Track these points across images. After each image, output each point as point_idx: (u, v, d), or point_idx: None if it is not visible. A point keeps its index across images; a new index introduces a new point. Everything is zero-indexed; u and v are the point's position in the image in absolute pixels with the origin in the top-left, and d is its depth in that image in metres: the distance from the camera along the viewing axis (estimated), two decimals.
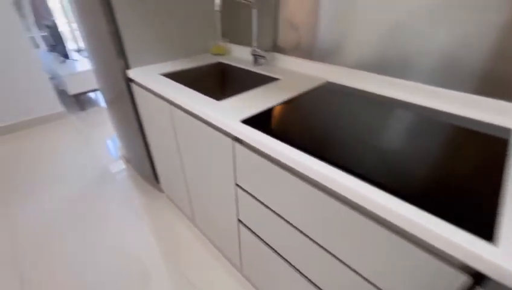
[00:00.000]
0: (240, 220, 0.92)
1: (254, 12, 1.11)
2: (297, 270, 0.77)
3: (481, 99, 0.74)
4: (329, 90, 0.93)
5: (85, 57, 3.29)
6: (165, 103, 1.01)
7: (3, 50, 2.14)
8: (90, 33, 1.32)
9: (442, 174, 0.51)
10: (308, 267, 0.72)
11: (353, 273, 0.59)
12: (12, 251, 1.32)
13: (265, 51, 1.19)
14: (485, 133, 0.64)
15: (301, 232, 0.68)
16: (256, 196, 0.77)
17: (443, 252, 0.42)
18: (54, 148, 2.17)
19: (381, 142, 0.61)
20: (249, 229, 0.89)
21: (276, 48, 1.21)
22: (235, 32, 1.39)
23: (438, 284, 0.43)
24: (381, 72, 0.91)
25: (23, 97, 2.35)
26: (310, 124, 0.71)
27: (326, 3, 0.95)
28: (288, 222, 0.71)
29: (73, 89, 2.62)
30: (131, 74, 1.16)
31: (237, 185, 0.83)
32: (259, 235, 0.86)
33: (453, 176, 0.50)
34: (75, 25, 3.72)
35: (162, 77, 1.09)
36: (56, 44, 2.84)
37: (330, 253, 0.63)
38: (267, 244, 0.85)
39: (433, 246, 0.43)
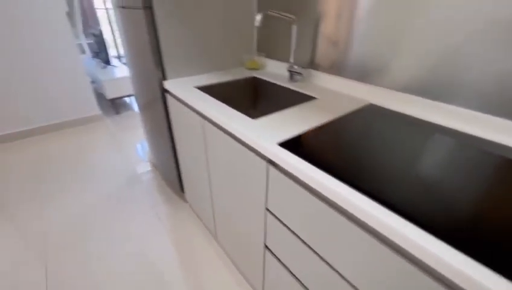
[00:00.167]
0: (266, 246, 0.87)
1: (294, 28, 1.09)
2: None
3: None
4: (372, 113, 0.86)
5: (124, 63, 3.48)
6: (198, 116, 1.00)
7: (54, 54, 2.32)
8: (131, 42, 1.37)
9: (493, 213, 0.42)
10: None
11: None
12: (41, 247, 1.37)
13: (302, 67, 1.15)
14: None
15: (333, 268, 0.61)
16: (287, 223, 0.72)
17: None
18: (87, 149, 2.28)
19: (429, 175, 0.54)
20: (276, 257, 0.84)
21: (313, 65, 1.17)
22: (270, 46, 1.37)
23: None
24: (428, 96, 0.83)
25: (66, 99, 2.51)
26: (351, 151, 0.65)
27: (371, 21, 0.90)
28: (319, 256, 0.64)
29: (111, 94, 2.76)
30: (167, 85, 1.17)
31: (267, 209, 0.78)
32: (286, 264, 0.80)
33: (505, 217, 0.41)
34: (117, 33, 3.98)
35: (196, 90, 1.09)
36: (100, 51, 3.03)
37: None
38: (293, 275, 0.78)
39: None
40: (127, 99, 3.42)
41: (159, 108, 1.33)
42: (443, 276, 0.41)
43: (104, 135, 2.52)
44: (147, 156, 2.17)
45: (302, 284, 0.75)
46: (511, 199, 0.48)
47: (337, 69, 1.08)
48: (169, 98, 1.23)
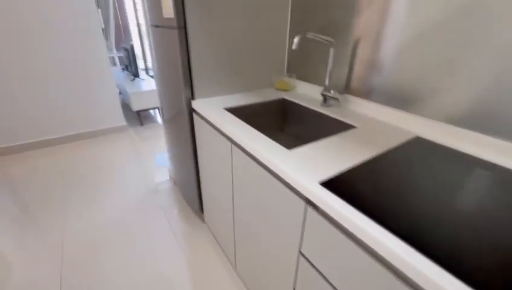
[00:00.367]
0: None
1: (331, 51, 1.03)
2: None
3: None
4: (421, 149, 0.77)
5: (151, 76, 3.59)
6: (227, 140, 0.95)
7: (88, 66, 2.42)
8: (162, 59, 1.37)
9: None
10: None
11: None
12: (58, 258, 1.34)
13: (339, 92, 1.08)
14: None
15: None
16: (323, 272, 0.63)
17: None
18: (110, 160, 2.30)
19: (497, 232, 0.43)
20: None
21: (349, 90, 1.09)
22: (300, 67, 1.32)
23: None
24: (484, 131, 0.72)
25: (95, 109, 2.59)
26: (404, 197, 0.56)
27: (418, 46, 0.82)
28: None
29: (136, 106, 2.82)
30: (195, 104, 1.14)
31: (301, 253, 0.69)
32: None
33: None
34: (146, 47, 4.15)
35: (225, 112, 1.05)
36: (129, 64, 3.14)
37: None
38: None
39: None
40: (151, 111, 3.50)
41: (184, 126, 1.30)
42: None
43: (127, 146, 2.55)
44: (167, 171, 2.15)
45: None
46: None
47: (377, 95, 0.99)
48: (196, 117, 1.19)
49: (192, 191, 1.51)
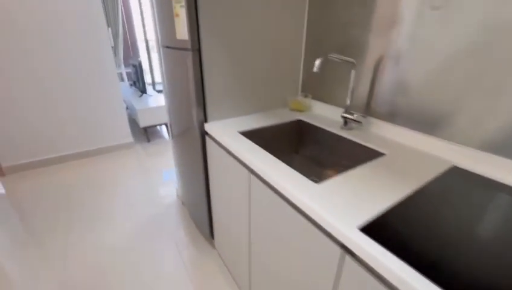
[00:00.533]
0: None
1: (353, 73, 0.97)
2: None
3: None
4: (462, 181, 0.69)
5: (157, 91, 3.59)
6: (244, 168, 0.88)
7: (96, 84, 2.41)
8: (173, 78, 1.33)
9: None
10: None
11: None
12: (61, 277, 1.27)
13: (362, 116, 1.01)
14: None
15: None
16: None
17: None
18: (116, 178, 2.25)
19: None
20: None
21: (371, 111, 1.03)
22: (317, 87, 1.27)
23: None
24: None
25: (102, 126, 2.56)
26: (446, 237, 0.48)
27: (452, 68, 0.76)
28: None
29: (144, 122, 2.80)
30: (209, 127, 1.09)
31: None
32: None
33: None
34: (154, 62, 4.18)
35: (241, 136, 0.99)
36: (137, 80, 3.14)
37: None
38: None
39: None
40: (158, 127, 3.47)
41: (196, 148, 1.24)
42: None
43: (134, 163, 2.50)
44: (175, 189, 2.09)
45: None
46: None
47: (402, 118, 0.93)
48: (209, 140, 1.14)
49: (202, 215, 1.44)
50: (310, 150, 1.21)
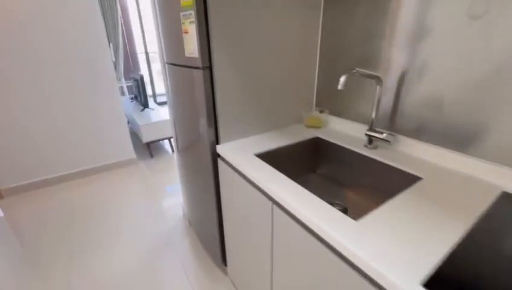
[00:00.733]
0: None
1: (378, 88, 0.90)
2: None
3: None
4: None
5: (158, 104, 3.52)
6: (266, 199, 0.80)
7: (98, 101, 2.34)
8: (180, 95, 1.25)
9: None
10: None
11: None
12: None
13: (391, 134, 0.94)
14: None
15: None
16: None
17: None
18: (119, 197, 2.16)
19: None
20: None
21: (395, 128, 0.96)
22: (333, 102, 1.19)
23: None
24: None
25: (104, 143, 2.49)
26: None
27: (495, 84, 0.68)
28: None
29: (147, 138, 2.72)
30: (221, 150, 1.01)
31: None
32: None
33: None
34: (154, 74, 4.12)
35: (258, 159, 0.91)
36: (139, 94, 3.08)
37: None
38: None
39: None
40: (161, 141, 3.40)
41: (206, 170, 1.16)
42: None
43: (138, 181, 2.41)
44: (181, 207, 1.99)
45: None
46: None
47: (433, 136, 0.85)
48: (221, 163, 1.06)
49: (212, 240, 1.35)
50: (328, 169, 1.13)
